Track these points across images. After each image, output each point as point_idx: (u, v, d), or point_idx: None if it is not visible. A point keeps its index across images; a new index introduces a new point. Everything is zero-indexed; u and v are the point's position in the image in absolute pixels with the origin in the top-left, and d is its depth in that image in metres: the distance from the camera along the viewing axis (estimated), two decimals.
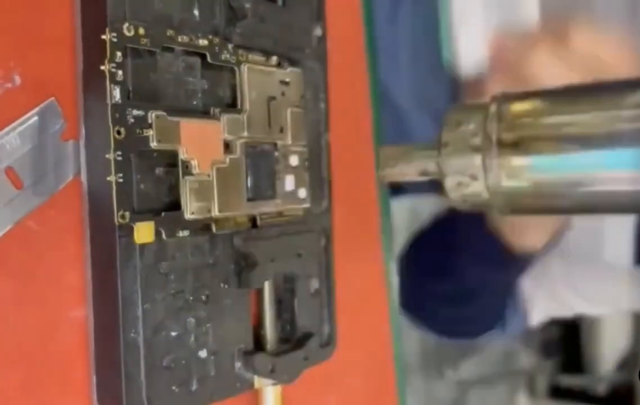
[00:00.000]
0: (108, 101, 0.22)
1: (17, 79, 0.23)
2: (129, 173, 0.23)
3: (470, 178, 0.20)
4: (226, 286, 0.27)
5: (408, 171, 0.22)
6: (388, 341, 0.41)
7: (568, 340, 1.80)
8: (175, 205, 0.25)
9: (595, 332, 1.73)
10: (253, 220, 0.28)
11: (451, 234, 0.50)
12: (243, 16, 0.27)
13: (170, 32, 0.24)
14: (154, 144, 0.23)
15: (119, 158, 0.23)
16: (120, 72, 0.23)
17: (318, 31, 0.31)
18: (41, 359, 0.23)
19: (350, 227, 0.35)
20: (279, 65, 0.29)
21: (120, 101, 0.23)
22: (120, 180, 0.23)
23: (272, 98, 0.28)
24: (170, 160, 0.25)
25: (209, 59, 0.26)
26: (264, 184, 0.28)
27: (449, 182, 0.20)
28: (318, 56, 0.31)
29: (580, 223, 0.44)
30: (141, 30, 0.23)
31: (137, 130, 0.23)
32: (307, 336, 0.31)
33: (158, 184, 0.24)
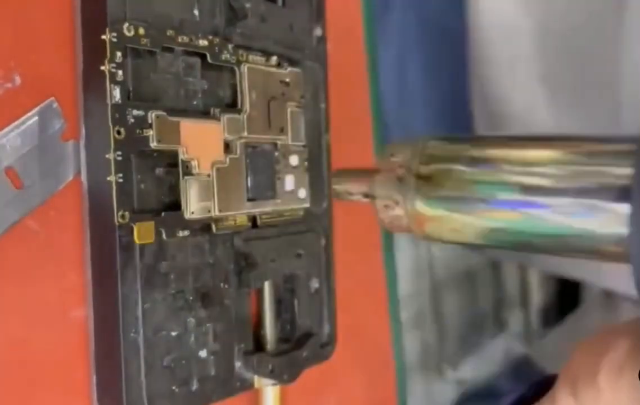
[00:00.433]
0: (108, 101, 0.22)
1: (17, 79, 0.23)
2: (129, 173, 0.23)
3: (394, 203, 0.23)
4: (226, 286, 0.27)
5: (352, 191, 0.26)
6: (388, 341, 0.41)
7: None
8: (175, 205, 0.25)
9: None
10: (253, 220, 0.28)
11: None
12: (243, 16, 0.27)
13: (170, 32, 0.24)
14: (154, 144, 0.23)
15: (119, 158, 0.23)
16: (120, 72, 0.23)
17: (318, 31, 0.31)
18: (41, 359, 0.23)
19: (350, 227, 0.35)
20: (279, 65, 0.29)
21: (120, 101, 0.23)
22: (120, 180, 0.23)
23: (272, 98, 0.28)
24: (170, 160, 0.25)
25: (209, 59, 0.26)
26: (264, 184, 0.28)
27: (378, 204, 0.23)
28: (318, 56, 0.31)
29: None
30: (141, 30, 0.23)
31: (137, 130, 0.23)
32: (307, 336, 0.31)
33: (158, 184, 0.24)
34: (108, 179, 0.22)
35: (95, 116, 0.23)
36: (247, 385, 0.28)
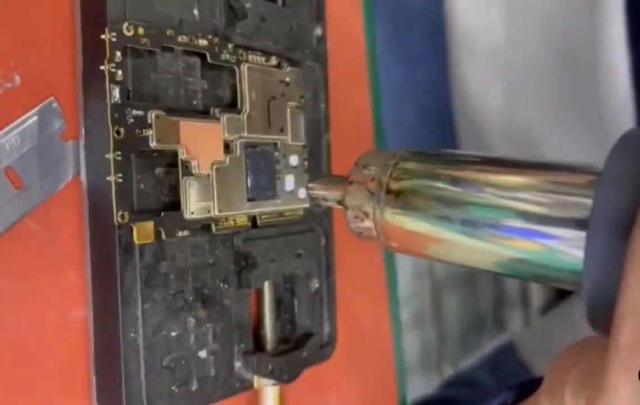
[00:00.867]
0: (107, 101, 0.22)
1: (17, 79, 0.23)
2: (128, 173, 0.23)
3: (364, 214, 0.23)
4: (226, 286, 0.27)
5: (327, 197, 0.26)
6: (388, 341, 0.41)
7: None
8: (175, 205, 0.25)
9: None
10: (253, 220, 0.28)
11: None
12: (243, 16, 0.27)
13: (170, 32, 0.24)
14: (153, 144, 0.23)
15: (119, 158, 0.23)
16: (119, 72, 0.23)
17: (318, 31, 0.31)
18: (41, 359, 0.23)
19: None
20: (279, 65, 0.29)
21: (119, 101, 0.23)
22: (120, 180, 0.23)
23: (272, 98, 0.28)
24: (170, 160, 0.25)
25: (209, 59, 0.26)
26: (264, 183, 0.28)
27: (349, 214, 0.23)
28: (318, 56, 0.31)
29: None
30: (141, 30, 0.23)
31: (137, 130, 0.23)
32: (307, 336, 0.31)
33: (158, 184, 0.24)
34: (107, 178, 0.22)
35: (95, 116, 0.23)
36: (246, 386, 0.28)
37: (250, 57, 0.27)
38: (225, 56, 0.26)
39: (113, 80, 0.23)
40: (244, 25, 0.27)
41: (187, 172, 0.25)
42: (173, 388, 0.25)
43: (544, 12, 0.53)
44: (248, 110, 0.27)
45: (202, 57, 0.26)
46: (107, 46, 0.22)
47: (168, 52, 0.25)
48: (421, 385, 0.54)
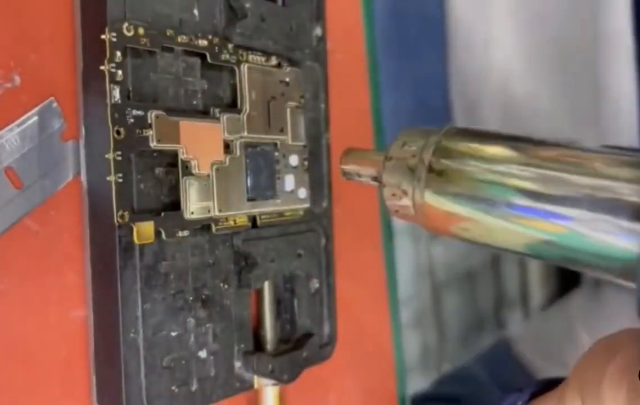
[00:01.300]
0: (108, 101, 0.22)
1: (17, 79, 0.23)
2: (128, 173, 0.23)
3: (402, 193, 0.22)
4: (226, 286, 0.27)
5: (362, 173, 0.25)
6: (388, 341, 0.41)
7: None
8: (175, 205, 0.25)
9: None
10: (253, 220, 0.28)
11: None
12: (243, 16, 0.27)
13: (170, 32, 0.24)
14: (153, 144, 0.23)
15: (119, 158, 0.23)
16: (120, 72, 0.23)
17: (318, 31, 0.31)
18: (41, 359, 0.23)
19: (350, 227, 0.35)
20: (279, 65, 0.29)
21: (119, 101, 0.23)
22: (120, 180, 0.23)
23: (272, 98, 0.28)
24: (170, 160, 0.25)
25: (209, 59, 0.26)
26: (264, 183, 0.28)
27: (386, 192, 0.23)
28: (318, 56, 0.31)
29: None
30: (141, 30, 0.23)
31: (137, 130, 0.23)
32: (307, 336, 0.31)
33: (158, 184, 0.24)
34: (108, 179, 0.22)
35: (95, 116, 0.23)
36: (246, 386, 0.28)
37: (250, 57, 0.27)
38: (225, 56, 0.26)
39: (113, 80, 0.23)
40: (244, 25, 0.27)
41: (187, 172, 0.25)
42: (173, 388, 0.25)
43: (544, 3, 0.53)
44: (248, 110, 0.27)
45: (202, 57, 0.26)
46: (107, 46, 0.22)
47: (168, 52, 0.25)
48: (421, 385, 0.54)
